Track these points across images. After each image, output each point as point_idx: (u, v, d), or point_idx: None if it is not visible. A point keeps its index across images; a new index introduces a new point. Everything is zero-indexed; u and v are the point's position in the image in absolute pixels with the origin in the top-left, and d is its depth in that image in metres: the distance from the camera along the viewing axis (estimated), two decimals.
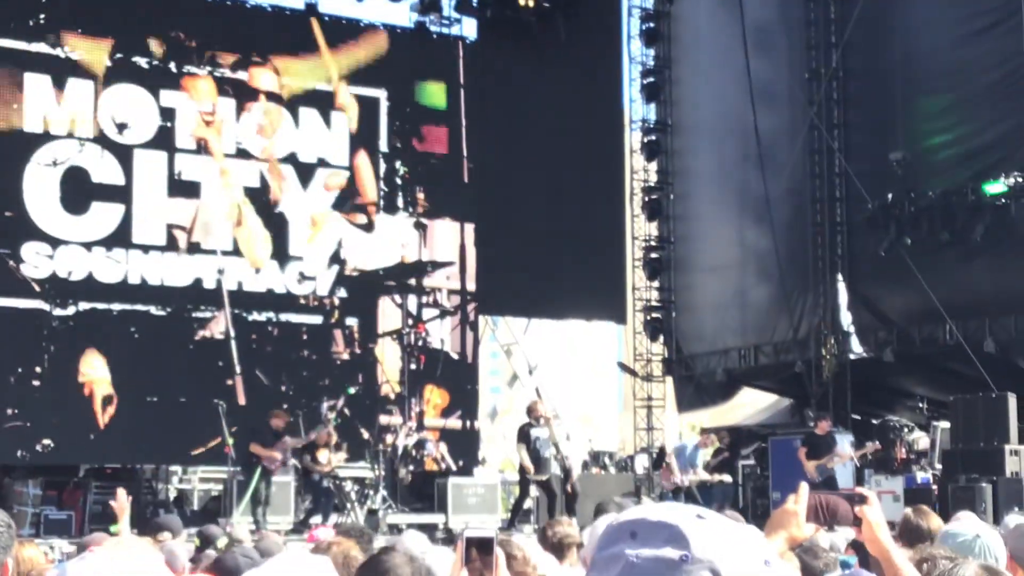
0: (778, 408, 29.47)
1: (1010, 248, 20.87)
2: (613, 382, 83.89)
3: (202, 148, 21.40)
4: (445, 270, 23.59)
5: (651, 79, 28.13)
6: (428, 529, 18.72)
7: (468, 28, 24.66)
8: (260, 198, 21.83)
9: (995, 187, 21.03)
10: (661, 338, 28.28)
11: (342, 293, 22.39)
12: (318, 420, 19.98)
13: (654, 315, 28.00)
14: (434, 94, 23.67)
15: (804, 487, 3.60)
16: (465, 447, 23.66)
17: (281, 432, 18.20)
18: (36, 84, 20.23)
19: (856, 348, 25.02)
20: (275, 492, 18.61)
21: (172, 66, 21.26)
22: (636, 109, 28.48)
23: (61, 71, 20.39)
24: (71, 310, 20.09)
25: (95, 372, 20.18)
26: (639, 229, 28.19)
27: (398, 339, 22.99)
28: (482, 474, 23.73)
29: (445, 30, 24.34)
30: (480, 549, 2.89)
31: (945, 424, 21.46)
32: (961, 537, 5.07)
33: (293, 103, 22.25)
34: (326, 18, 22.98)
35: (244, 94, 21.84)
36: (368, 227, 22.83)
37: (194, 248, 21.22)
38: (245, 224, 21.62)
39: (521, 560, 5.56)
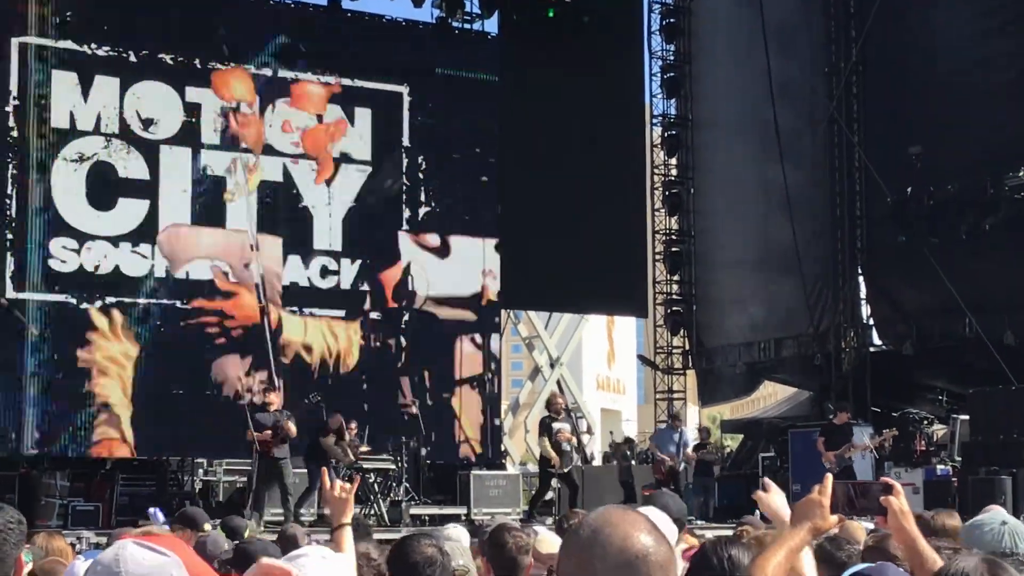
0: (798, 401, 29.60)
1: None
2: (634, 375, 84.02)
3: (227, 143, 21.57)
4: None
5: (671, 74, 28.23)
6: (451, 521, 18.92)
7: (490, 24, 24.80)
8: (285, 192, 22.01)
9: (1014, 181, 21.09)
10: (682, 331, 28.40)
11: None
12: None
13: (675, 308, 28.11)
14: (457, 87, 23.72)
15: (829, 478, 3.69)
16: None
17: (269, 408, 17.70)
18: (63, 81, 20.44)
19: (876, 341, 25.14)
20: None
21: (197, 62, 21.43)
22: (656, 104, 28.61)
23: (88, 68, 20.59)
24: (97, 304, 20.29)
25: (122, 366, 20.39)
26: (660, 223, 28.31)
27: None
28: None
29: (468, 26, 24.45)
30: None
31: (964, 417, 21.56)
32: (988, 526, 4.93)
33: (318, 99, 22.39)
34: (349, 14, 23.11)
35: (270, 89, 22.00)
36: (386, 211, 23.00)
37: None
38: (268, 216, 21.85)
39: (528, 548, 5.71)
